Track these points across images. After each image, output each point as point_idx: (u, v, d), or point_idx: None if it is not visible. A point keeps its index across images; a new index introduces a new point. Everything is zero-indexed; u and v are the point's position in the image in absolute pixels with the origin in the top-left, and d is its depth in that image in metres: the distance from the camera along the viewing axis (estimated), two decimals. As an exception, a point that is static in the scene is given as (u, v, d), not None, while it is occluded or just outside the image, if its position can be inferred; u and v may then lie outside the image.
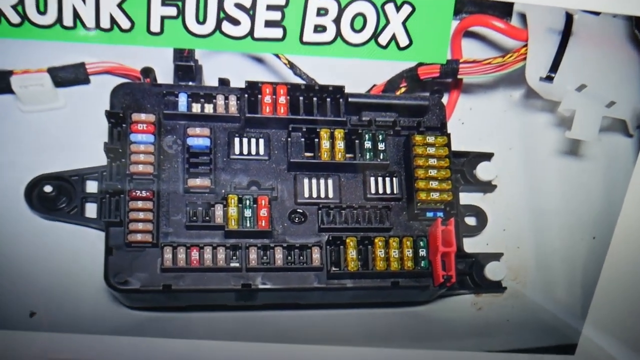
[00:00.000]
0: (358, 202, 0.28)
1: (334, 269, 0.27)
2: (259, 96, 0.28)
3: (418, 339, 0.29)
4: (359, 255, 0.27)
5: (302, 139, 0.29)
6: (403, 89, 0.31)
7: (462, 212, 0.32)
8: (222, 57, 0.31)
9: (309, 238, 0.27)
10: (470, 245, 0.32)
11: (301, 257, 0.27)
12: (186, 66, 0.29)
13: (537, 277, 0.31)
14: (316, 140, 0.29)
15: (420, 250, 0.28)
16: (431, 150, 0.29)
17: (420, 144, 0.29)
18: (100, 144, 0.27)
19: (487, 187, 0.32)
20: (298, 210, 0.28)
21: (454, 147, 0.30)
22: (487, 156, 0.32)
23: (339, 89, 0.29)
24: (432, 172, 0.29)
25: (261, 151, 0.28)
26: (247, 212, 0.27)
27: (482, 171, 0.31)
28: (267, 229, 0.27)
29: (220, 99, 0.28)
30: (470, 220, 0.32)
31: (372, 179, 0.29)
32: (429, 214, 0.29)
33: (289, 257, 0.27)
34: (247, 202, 0.27)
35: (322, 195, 0.28)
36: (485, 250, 0.32)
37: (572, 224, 0.31)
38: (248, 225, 0.27)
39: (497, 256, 0.32)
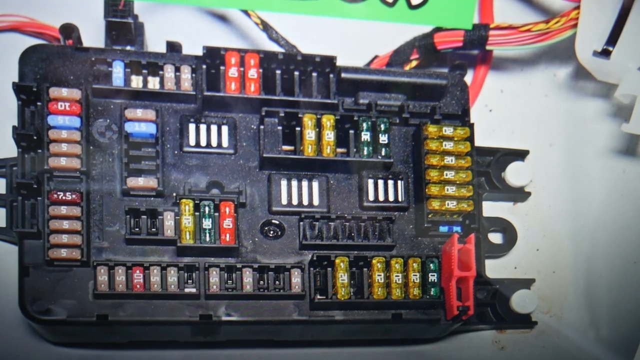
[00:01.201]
0: (351, 212, 0.30)
1: (319, 297, 0.28)
2: (222, 68, 0.29)
3: (425, 384, 0.30)
4: (352, 280, 0.29)
5: (279, 127, 0.29)
6: (414, 63, 0.32)
7: (486, 226, 0.33)
8: (171, 13, 0.32)
9: (287, 257, 0.29)
10: (494, 268, 0.34)
11: (277, 282, 0.28)
12: (122, 24, 0.29)
13: (575, 310, 0.33)
14: (298, 129, 0.29)
15: (430, 274, 0.29)
16: (448, 146, 0.30)
17: (435, 136, 0.30)
18: (8, 127, 0.27)
19: (519, 194, 0.34)
20: (273, 221, 0.29)
21: (478, 142, 0.31)
22: (521, 154, 0.33)
23: (329, 61, 0.29)
24: (449, 175, 0.30)
25: (224, 142, 0.29)
26: (207, 223, 0.27)
27: (514, 174, 0.33)
28: (232, 244, 0.28)
29: (169, 71, 0.29)
30: (496, 237, 0.34)
31: (371, 182, 0.30)
32: (443, 229, 0.30)
33: (261, 282, 0.28)
34: (207, 209, 0.28)
35: (305, 201, 0.29)
36: (513, 275, 0.34)
37: (623, 244, 0.32)
38: (208, 239, 0.27)
39: (527, 283, 0.33)
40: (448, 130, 0.31)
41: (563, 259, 0.34)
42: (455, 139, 0.31)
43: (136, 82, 0.29)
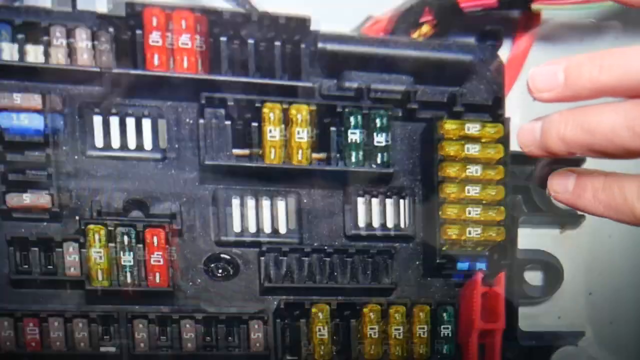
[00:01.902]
0: (334, 243, 0.26)
1: (289, 357, 0.25)
2: (139, 32, 0.23)
3: None
4: (334, 336, 0.25)
5: (228, 122, 0.24)
6: (426, 29, 0.27)
7: (521, 262, 0.28)
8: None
9: (243, 305, 0.25)
10: (531, 318, 0.29)
11: (230, 338, 0.25)
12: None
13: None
14: (255, 124, 0.24)
15: (443, 327, 0.26)
16: (473, 150, 0.25)
17: (454, 137, 0.25)
18: None
19: (569, 218, 0.29)
20: (222, 255, 0.25)
21: (515, 145, 0.24)
22: (574, 162, 0.28)
23: (301, 24, 0.24)
24: (473, 191, 0.25)
25: (147, 143, 0.24)
26: (126, 258, 0.24)
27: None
28: (164, 287, 0.24)
29: (57, 35, 0.23)
30: (534, 277, 0.29)
31: (361, 201, 0.26)
32: (462, 266, 0.26)
33: (208, 338, 0.25)
34: (125, 238, 0.24)
35: (267, 228, 0.25)
36: (556, 327, 0.30)
37: None
38: (129, 280, 0.24)
39: (574, 337, 0.29)
40: (473, 128, 0.25)
41: (623, 306, 0.30)
42: (483, 140, 0.26)
43: (8, 50, 0.23)
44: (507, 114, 0.26)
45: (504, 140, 0.26)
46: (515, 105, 0.26)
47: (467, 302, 0.25)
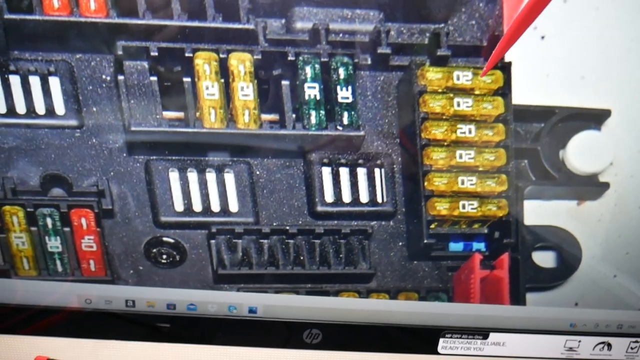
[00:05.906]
0: (297, 222, 0.23)
1: None
2: None
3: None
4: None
5: (153, 78, 0.22)
6: None
7: (529, 240, 0.26)
8: None
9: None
10: (543, 307, 0.27)
11: None
12: None
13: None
14: (187, 79, 0.22)
15: None
16: (464, 105, 0.23)
17: (439, 88, 0.22)
18: None
19: (589, 187, 0.26)
20: (165, 238, 0.23)
21: (518, 97, 0.23)
22: (596, 118, 0.25)
23: None
24: (466, 156, 0.23)
25: (58, 107, 0.22)
26: (53, 243, 0.22)
27: (581, 152, 0.25)
28: (101, 276, 0.23)
29: None
30: (545, 258, 0.27)
31: (327, 172, 0.23)
32: (455, 246, 0.24)
33: None
34: (49, 221, 0.22)
35: (216, 206, 0.23)
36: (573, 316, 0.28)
37: None
38: (60, 269, 0.22)
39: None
40: (464, 77, 0.22)
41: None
42: (477, 92, 0.23)
43: None
44: (507, 58, 0.23)
45: (504, 91, 0.23)
46: (518, 46, 0.23)
47: (462, 289, 0.24)
